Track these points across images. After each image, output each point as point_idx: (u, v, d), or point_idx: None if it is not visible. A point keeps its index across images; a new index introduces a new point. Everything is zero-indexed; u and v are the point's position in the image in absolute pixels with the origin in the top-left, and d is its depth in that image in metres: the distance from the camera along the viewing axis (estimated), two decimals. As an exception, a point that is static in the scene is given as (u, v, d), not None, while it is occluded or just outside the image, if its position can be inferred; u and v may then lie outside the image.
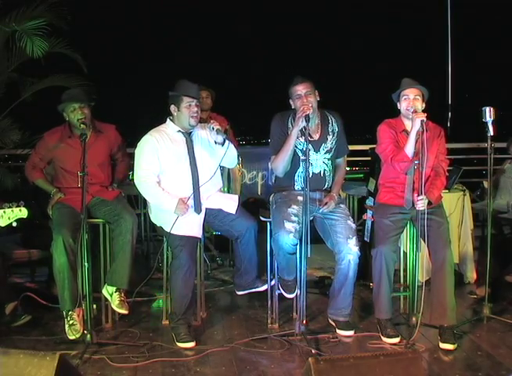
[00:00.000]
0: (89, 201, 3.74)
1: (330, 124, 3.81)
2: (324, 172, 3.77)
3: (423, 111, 3.58)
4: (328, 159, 3.78)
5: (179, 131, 3.72)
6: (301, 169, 3.71)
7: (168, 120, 3.75)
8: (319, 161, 3.75)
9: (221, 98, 5.35)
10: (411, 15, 12.16)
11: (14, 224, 3.35)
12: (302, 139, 3.62)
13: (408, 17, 12.38)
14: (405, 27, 12.99)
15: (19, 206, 3.34)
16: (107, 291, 3.74)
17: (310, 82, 3.68)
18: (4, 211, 3.30)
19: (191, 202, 3.65)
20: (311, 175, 3.62)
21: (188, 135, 3.73)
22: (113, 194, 3.88)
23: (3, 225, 3.32)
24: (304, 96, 3.63)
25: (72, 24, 4.99)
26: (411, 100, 3.60)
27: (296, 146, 3.67)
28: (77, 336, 3.54)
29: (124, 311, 3.69)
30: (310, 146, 3.62)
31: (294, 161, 3.70)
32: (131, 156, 3.85)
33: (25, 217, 3.36)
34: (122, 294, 3.72)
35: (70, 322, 3.59)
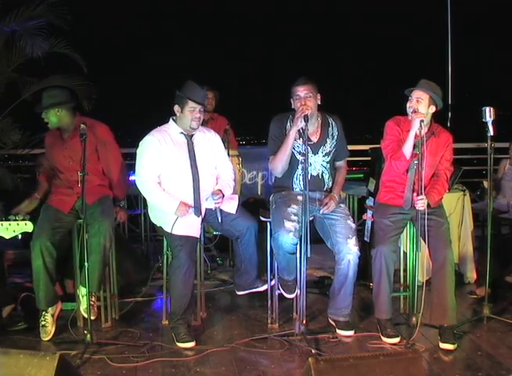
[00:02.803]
0: (75, 202, 3.71)
1: (330, 128, 3.79)
2: (322, 175, 3.76)
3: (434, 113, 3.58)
4: (327, 162, 3.76)
5: (181, 133, 3.71)
6: (299, 171, 3.70)
7: (171, 120, 3.74)
8: (317, 164, 3.74)
9: (221, 98, 5.35)
10: (411, 14, 12.18)
11: (19, 237, 3.36)
12: (300, 141, 3.63)
13: (408, 17, 12.40)
14: (406, 27, 13.01)
15: (25, 220, 3.36)
16: (80, 291, 3.68)
17: (313, 85, 3.64)
18: (9, 224, 3.33)
19: (192, 204, 3.64)
20: (309, 177, 3.57)
21: (190, 137, 3.72)
22: (93, 199, 3.68)
23: (8, 237, 3.35)
24: (303, 99, 3.60)
25: (72, 24, 4.98)
26: (412, 101, 3.61)
27: (293, 148, 3.66)
28: (47, 339, 3.58)
29: (90, 317, 3.53)
30: (308, 148, 3.59)
31: (292, 163, 3.69)
32: (133, 156, 3.83)
33: (30, 231, 3.39)
34: (93, 299, 3.66)
35: (42, 323, 3.63)
